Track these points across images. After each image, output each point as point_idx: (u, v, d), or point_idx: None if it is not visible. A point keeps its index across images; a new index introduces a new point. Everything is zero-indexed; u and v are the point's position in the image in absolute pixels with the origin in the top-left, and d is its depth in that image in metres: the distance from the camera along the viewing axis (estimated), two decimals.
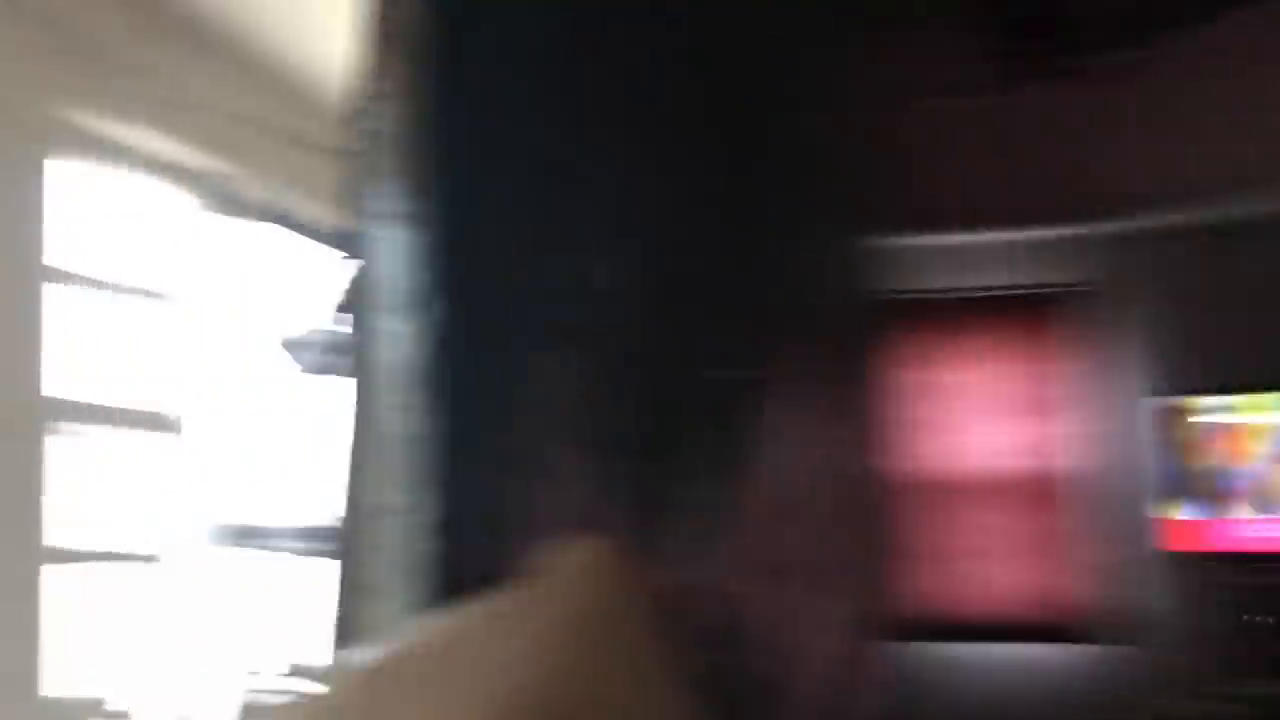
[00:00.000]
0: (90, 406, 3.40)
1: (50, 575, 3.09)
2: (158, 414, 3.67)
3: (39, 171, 3.14)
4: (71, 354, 3.29)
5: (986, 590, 5.52)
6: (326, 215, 4.83)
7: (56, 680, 3.09)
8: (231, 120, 3.92)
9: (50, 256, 3.17)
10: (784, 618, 1.47)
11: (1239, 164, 4.44)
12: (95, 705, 3.30)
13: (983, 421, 5.78)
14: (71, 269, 3.31)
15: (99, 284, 3.48)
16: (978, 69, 3.18)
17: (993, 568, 5.53)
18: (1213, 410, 5.34)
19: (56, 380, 3.18)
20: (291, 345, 3.55)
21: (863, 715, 1.28)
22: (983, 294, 5.87)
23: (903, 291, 5.67)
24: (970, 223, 5.37)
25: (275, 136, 4.18)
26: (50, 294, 3.16)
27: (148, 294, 3.69)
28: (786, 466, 2.13)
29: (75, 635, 3.28)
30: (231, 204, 4.07)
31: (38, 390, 3.10)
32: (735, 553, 1.29)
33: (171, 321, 3.75)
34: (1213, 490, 5.27)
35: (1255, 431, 5.30)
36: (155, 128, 3.54)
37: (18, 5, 3.00)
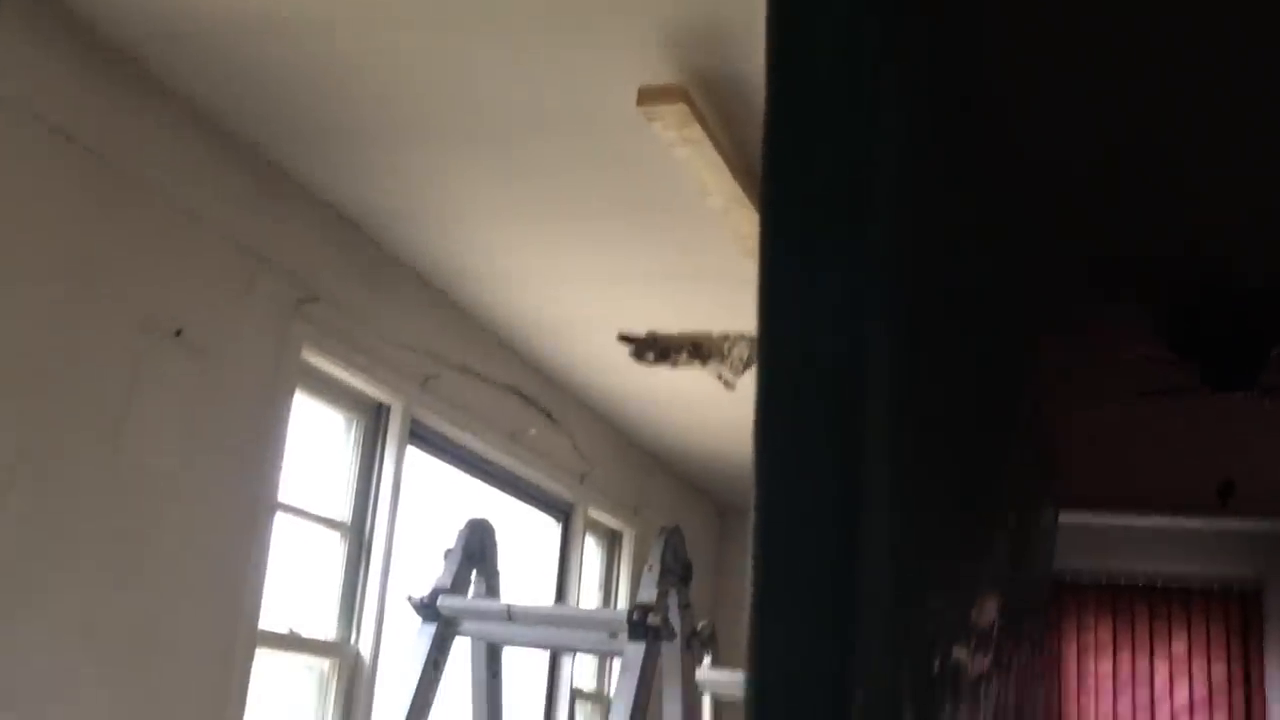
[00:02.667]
0: (286, 635, 3.61)
1: None
2: (344, 642, 3.86)
3: (284, 412, 3.47)
4: (277, 581, 3.52)
5: None
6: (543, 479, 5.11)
7: None
8: (438, 363, 4.27)
9: (281, 490, 3.45)
10: None
11: None
12: None
13: (1162, 714, 5.56)
14: (288, 500, 3.59)
15: (303, 513, 3.75)
16: (1174, 375, 3.31)
17: None
18: None
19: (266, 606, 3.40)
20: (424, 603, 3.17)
21: None
22: (1165, 584, 5.76)
23: (1087, 575, 5.60)
24: (1154, 511, 5.34)
25: (468, 377, 4.52)
26: (278, 524, 3.42)
27: (337, 524, 3.95)
28: None
29: None
30: (434, 447, 4.38)
31: (256, 620, 3.33)
32: None
33: (359, 553, 3.98)
34: None
35: None
36: (365, 367, 3.90)
37: (271, 263, 3.41)
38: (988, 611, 1.25)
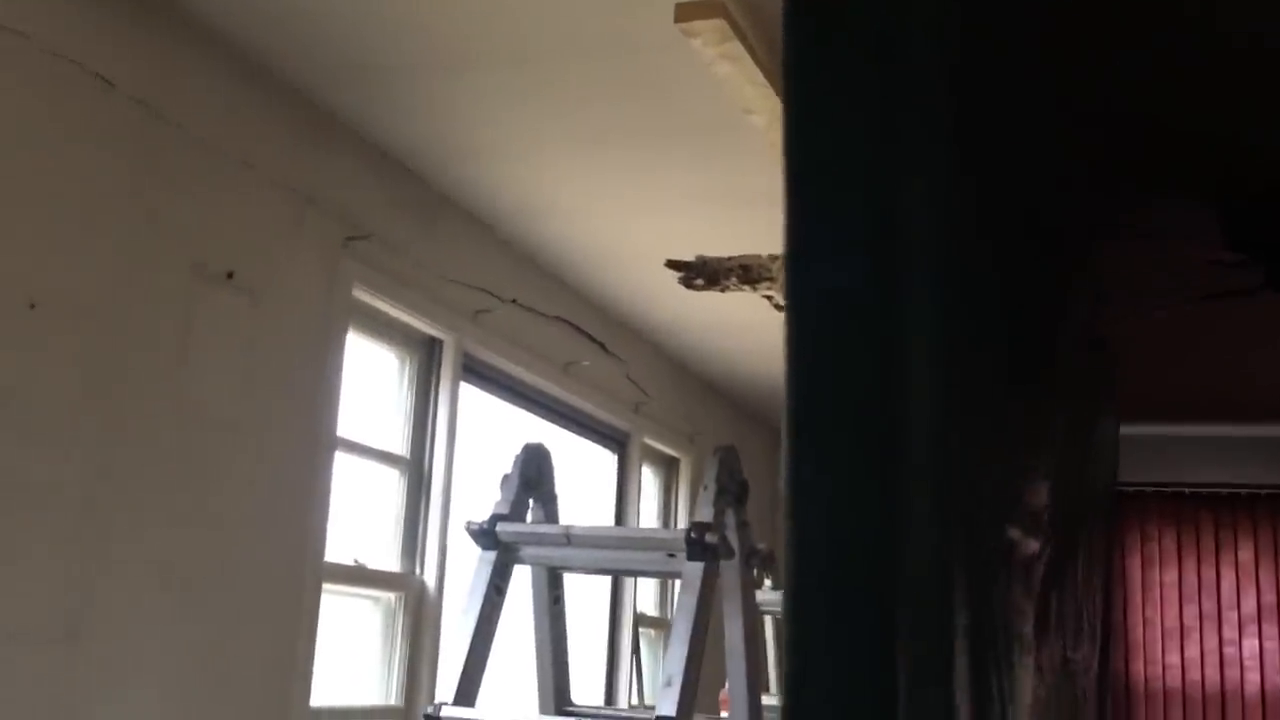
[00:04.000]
0: (351, 568, 3.68)
1: None
2: (409, 574, 3.93)
3: (339, 349, 3.50)
4: (339, 516, 3.58)
5: None
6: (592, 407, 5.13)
7: None
8: (483, 295, 4.29)
9: (340, 426, 3.50)
10: None
11: None
12: None
13: (1243, 629, 5.51)
14: (347, 437, 3.63)
15: (362, 449, 3.80)
16: (1237, 277, 3.23)
17: None
18: None
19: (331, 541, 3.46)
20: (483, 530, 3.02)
21: None
22: (1229, 493, 5.67)
23: (1149, 485, 5.54)
24: (1218, 419, 5.25)
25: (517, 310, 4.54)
26: (338, 461, 3.47)
27: (396, 459, 4.00)
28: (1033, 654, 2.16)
29: None
30: (487, 381, 4.41)
31: (322, 554, 3.39)
32: None
33: (419, 487, 4.03)
34: None
35: None
36: (416, 304, 3.92)
37: (319, 203, 3.42)
38: (1040, 497, 1.23)
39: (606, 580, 5.43)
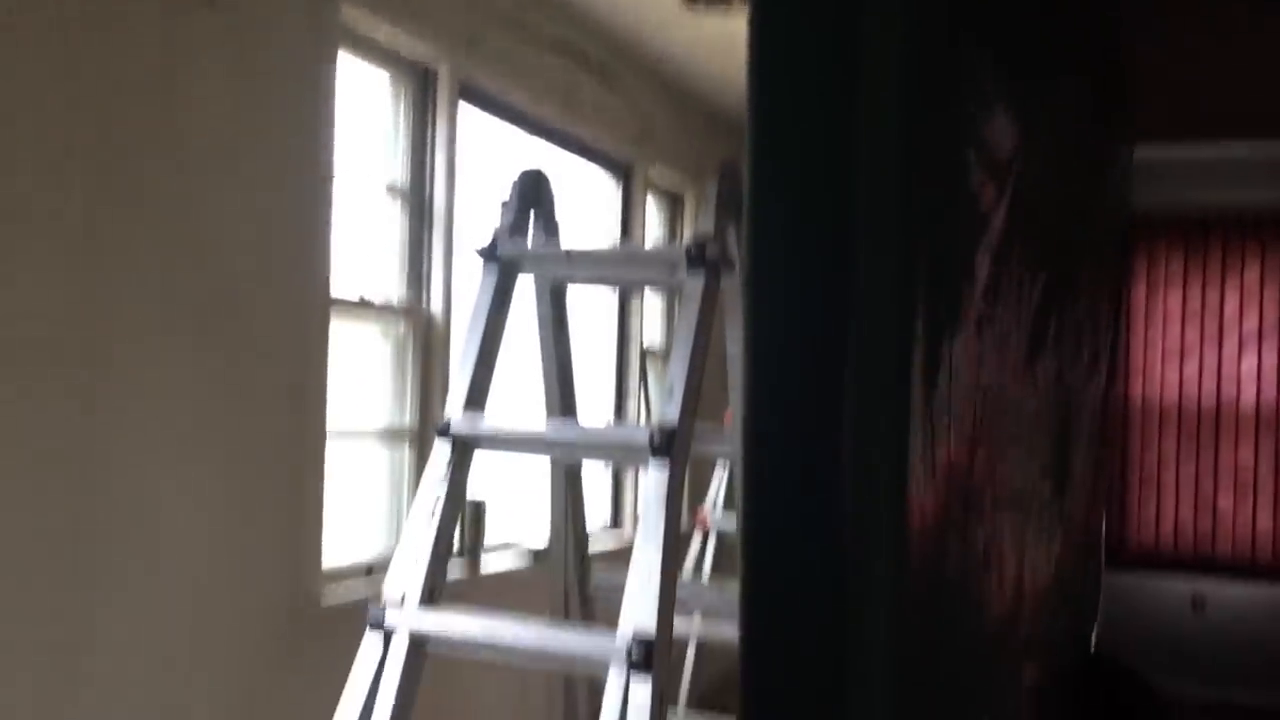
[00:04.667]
0: (358, 302, 3.70)
1: (331, 450, 3.44)
2: (415, 306, 3.97)
3: (330, 73, 3.40)
4: (344, 250, 3.57)
5: (1240, 526, 5.37)
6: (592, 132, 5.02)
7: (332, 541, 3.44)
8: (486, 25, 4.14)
9: (336, 155, 3.43)
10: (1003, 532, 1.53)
11: None
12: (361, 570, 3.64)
13: (1243, 347, 5.56)
14: (346, 169, 3.57)
15: (357, 180, 3.76)
16: None
17: (1250, 501, 5.36)
18: None
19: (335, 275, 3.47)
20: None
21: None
22: (1239, 216, 5.61)
23: (1158, 208, 5.47)
24: (1237, 134, 5.12)
25: (520, 39, 4.40)
26: (336, 192, 3.43)
27: (396, 190, 3.96)
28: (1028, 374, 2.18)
29: (349, 503, 3.66)
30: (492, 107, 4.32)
31: (327, 286, 3.40)
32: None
33: (420, 217, 4.01)
34: None
35: None
36: (408, 25, 3.79)
37: None
38: (1005, 139, 1.22)
39: (614, 313, 5.48)
